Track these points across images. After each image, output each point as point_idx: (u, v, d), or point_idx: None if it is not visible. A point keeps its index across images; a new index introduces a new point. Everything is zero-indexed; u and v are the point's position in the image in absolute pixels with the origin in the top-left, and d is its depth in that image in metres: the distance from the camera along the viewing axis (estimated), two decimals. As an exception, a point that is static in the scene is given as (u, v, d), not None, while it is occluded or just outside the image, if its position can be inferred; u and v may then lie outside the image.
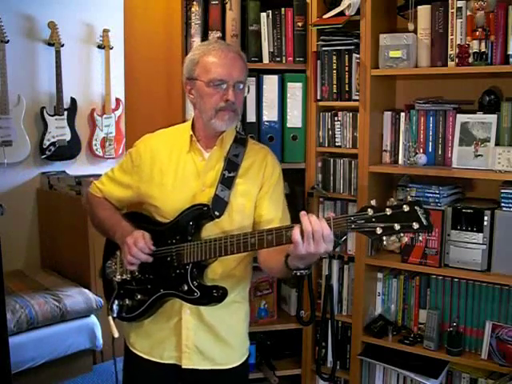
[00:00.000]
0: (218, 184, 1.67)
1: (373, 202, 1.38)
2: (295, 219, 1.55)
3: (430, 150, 2.21)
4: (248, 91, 1.75)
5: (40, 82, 3.82)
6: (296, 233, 1.39)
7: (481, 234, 2.05)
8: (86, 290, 3.33)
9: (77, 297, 3.25)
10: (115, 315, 1.75)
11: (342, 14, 2.21)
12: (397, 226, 1.35)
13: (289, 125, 2.35)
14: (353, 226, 1.39)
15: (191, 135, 1.73)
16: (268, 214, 1.72)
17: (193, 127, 1.75)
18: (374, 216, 1.37)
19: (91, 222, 1.91)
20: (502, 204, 2.03)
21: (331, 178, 2.37)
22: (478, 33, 1.99)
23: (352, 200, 2.33)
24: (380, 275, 2.36)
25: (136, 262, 1.64)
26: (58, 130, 3.84)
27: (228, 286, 1.65)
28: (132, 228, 1.69)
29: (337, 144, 2.35)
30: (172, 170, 1.73)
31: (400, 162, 2.28)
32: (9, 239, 3.01)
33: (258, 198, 1.73)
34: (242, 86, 1.67)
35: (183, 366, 1.74)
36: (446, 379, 2.21)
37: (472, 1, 2.01)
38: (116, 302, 1.75)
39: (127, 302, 1.75)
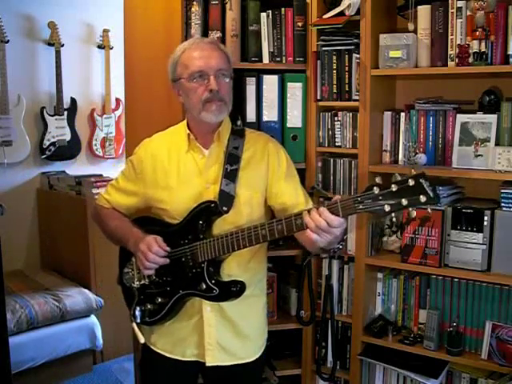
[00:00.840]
0: (221, 179, 1.67)
1: (378, 180, 1.37)
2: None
3: (430, 149, 2.21)
4: (231, 78, 1.72)
5: (40, 82, 3.82)
6: (311, 234, 1.42)
7: (481, 234, 2.05)
8: (86, 290, 3.33)
9: (77, 297, 3.25)
10: (138, 321, 1.77)
11: (342, 13, 2.21)
12: (404, 202, 1.33)
13: (289, 125, 2.35)
14: (361, 207, 1.38)
15: (188, 133, 1.73)
16: (290, 199, 1.73)
17: (189, 128, 1.75)
18: (381, 194, 1.35)
19: (103, 233, 1.91)
20: (502, 204, 2.03)
21: (331, 177, 2.37)
22: (478, 33, 1.99)
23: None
24: (380, 275, 2.35)
25: (153, 267, 1.66)
26: (58, 130, 3.84)
27: (245, 279, 1.67)
28: (143, 233, 1.70)
29: (337, 144, 2.35)
30: (174, 170, 1.73)
31: (400, 162, 2.27)
32: (9, 239, 3.01)
33: (274, 187, 1.74)
34: (225, 73, 1.67)
35: (207, 364, 1.75)
36: (446, 379, 2.21)
37: (472, 1, 2.01)
38: (138, 308, 1.77)
39: (148, 306, 1.76)
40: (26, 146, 3.70)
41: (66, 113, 3.85)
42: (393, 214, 1.36)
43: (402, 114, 2.26)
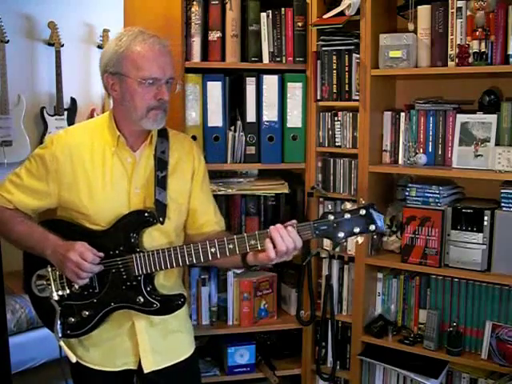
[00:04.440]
0: (155, 188, 1.61)
1: (330, 207, 1.55)
2: (295, 218, 1.57)
3: (430, 150, 2.21)
4: (179, 88, 1.66)
5: (40, 82, 3.82)
6: (271, 251, 1.49)
7: (481, 234, 2.05)
8: (86, 290, 3.33)
9: (77, 297, 3.25)
10: (60, 335, 1.62)
11: (342, 14, 2.21)
12: (356, 229, 1.50)
13: (289, 125, 2.35)
14: (317, 233, 1.50)
15: (119, 135, 1.61)
16: (201, 206, 1.74)
17: (117, 127, 1.62)
18: (336, 221, 1.49)
19: (4, 238, 1.72)
20: (502, 204, 2.03)
21: (331, 177, 2.36)
22: (477, 33, 1.99)
23: (352, 200, 2.32)
24: (380, 275, 2.35)
25: (88, 277, 1.56)
26: (58, 130, 3.83)
27: (172, 282, 1.69)
28: (63, 241, 1.57)
29: (337, 144, 2.35)
30: (99, 172, 1.60)
31: (400, 161, 2.28)
32: (9, 239, 3.00)
33: (191, 190, 1.72)
34: (172, 81, 1.59)
35: (146, 371, 1.68)
36: (446, 379, 2.21)
37: (472, 1, 2.01)
38: (58, 322, 1.62)
39: (72, 319, 1.63)
40: (25, 146, 3.69)
41: (66, 113, 3.85)
42: (344, 240, 1.54)
43: (402, 114, 2.26)
